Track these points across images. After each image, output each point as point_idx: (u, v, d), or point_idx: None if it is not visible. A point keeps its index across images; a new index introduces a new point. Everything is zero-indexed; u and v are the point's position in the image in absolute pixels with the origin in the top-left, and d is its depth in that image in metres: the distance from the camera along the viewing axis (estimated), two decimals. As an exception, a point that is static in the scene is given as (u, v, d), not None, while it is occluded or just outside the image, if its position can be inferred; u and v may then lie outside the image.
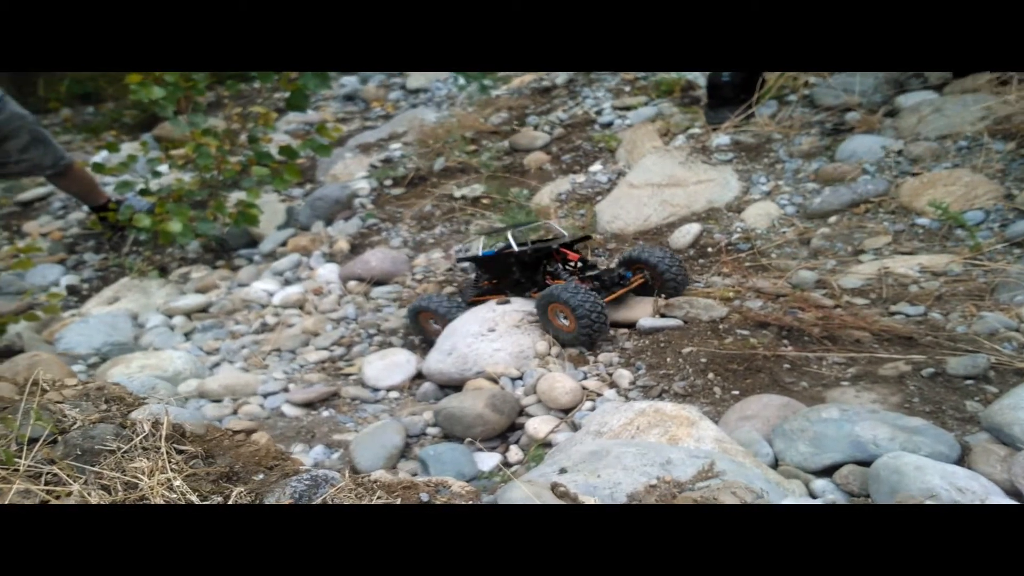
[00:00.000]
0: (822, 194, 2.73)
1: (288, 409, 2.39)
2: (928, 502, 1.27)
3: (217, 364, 2.74)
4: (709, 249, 2.67)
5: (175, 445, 1.54)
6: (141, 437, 1.51)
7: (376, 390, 2.43)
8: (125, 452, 1.46)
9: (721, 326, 2.23)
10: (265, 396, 2.47)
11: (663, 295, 2.41)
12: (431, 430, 2.14)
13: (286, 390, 2.50)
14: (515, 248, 2.45)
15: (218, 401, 2.45)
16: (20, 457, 1.38)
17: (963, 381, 1.80)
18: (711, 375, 2.04)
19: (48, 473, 1.34)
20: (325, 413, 2.36)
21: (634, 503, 1.33)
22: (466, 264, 2.75)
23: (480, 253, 2.57)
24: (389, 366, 2.47)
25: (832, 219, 2.62)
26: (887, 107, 3.07)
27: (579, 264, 2.49)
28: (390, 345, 2.69)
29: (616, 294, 2.37)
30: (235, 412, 2.39)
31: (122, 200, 3.85)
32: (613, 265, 2.47)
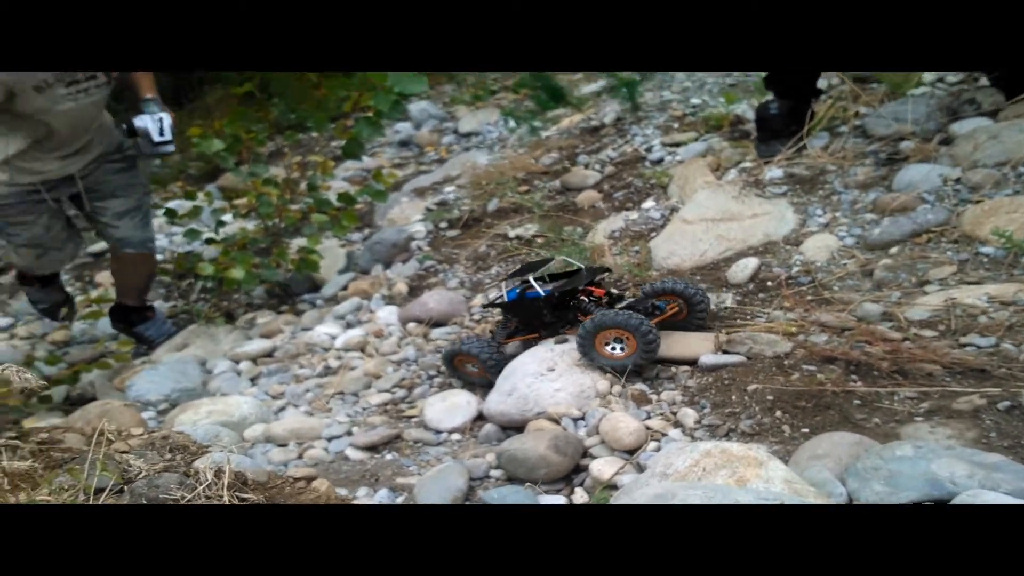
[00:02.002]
0: (881, 225, 2.70)
1: (352, 452, 2.42)
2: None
3: (282, 408, 2.79)
4: (769, 283, 2.65)
5: (237, 493, 1.57)
6: (204, 486, 1.54)
7: (438, 432, 2.45)
8: (188, 501, 1.50)
9: (786, 362, 2.21)
10: (329, 440, 2.51)
11: (695, 325, 2.44)
12: (494, 472, 2.15)
13: (349, 433, 2.53)
14: (541, 293, 2.48)
15: (284, 445, 2.49)
16: None
17: (1040, 414, 1.76)
18: (779, 413, 2.02)
19: None
20: (388, 456, 2.38)
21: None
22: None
23: (506, 297, 2.59)
24: (450, 407, 2.49)
25: (893, 250, 2.59)
26: (941, 135, 3.04)
27: (606, 298, 2.53)
28: (450, 386, 2.71)
29: (659, 319, 2.37)
30: (300, 456, 2.43)
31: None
32: (640, 296, 2.50)
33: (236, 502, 1.55)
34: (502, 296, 2.63)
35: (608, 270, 2.57)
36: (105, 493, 1.50)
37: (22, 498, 1.40)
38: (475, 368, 2.58)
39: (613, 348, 2.31)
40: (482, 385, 2.59)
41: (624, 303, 2.48)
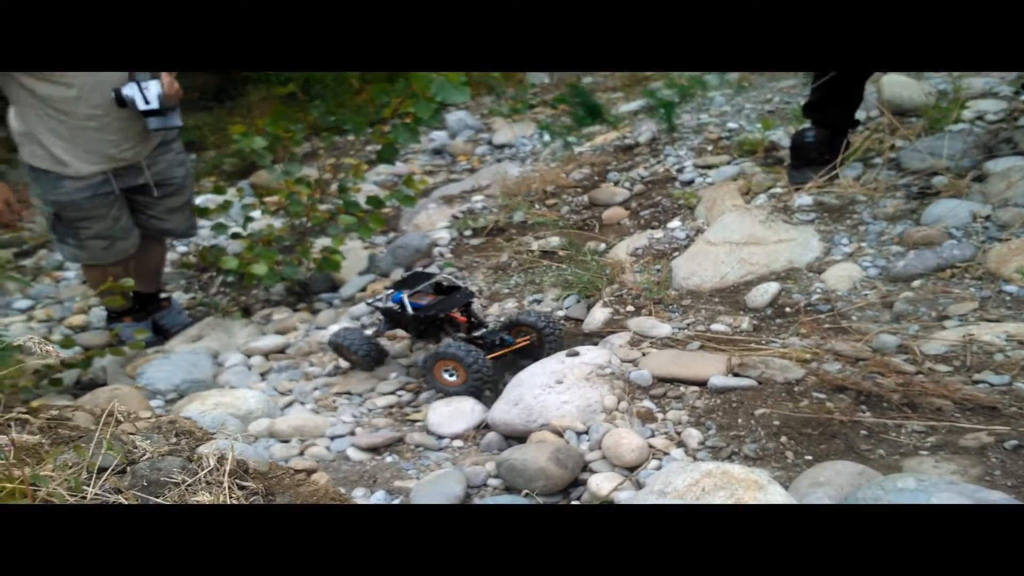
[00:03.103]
0: (906, 257, 2.65)
1: (353, 453, 2.41)
2: None
3: (289, 405, 2.80)
4: (787, 309, 2.61)
5: (238, 481, 1.57)
6: (206, 471, 1.54)
7: (440, 437, 2.43)
8: (189, 485, 1.49)
9: (797, 388, 2.17)
10: (332, 439, 2.50)
11: (547, 352, 2.64)
12: (492, 481, 2.13)
13: (353, 433, 2.52)
14: (410, 310, 2.71)
15: (286, 441, 2.48)
16: (89, 485, 1.42)
17: (1050, 456, 1.70)
18: (784, 438, 1.98)
19: (113, 502, 1.38)
20: (389, 458, 2.37)
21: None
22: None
23: (382, 305, 2.86)
24: (454, 413, 2.47)
25: (916, 283, 2.53)
26: (975, 172, 2.98)
27: (466, 325, 2.77)
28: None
29: (497, 353, 2.62)
30: (301, 453, 2.42)
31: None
32: (497, 328, 2.78)
33: (236, 489, 1.55)
34: (382, 300, 2.87)
35: (473, 295, 2.85)
36: (108, 472, 1.50)
37: (26, 472, 1.40)
38: (352, 357, 2.88)
39: (449, 375, 2.57)
40: (364, 369, 2.90)
41: (479, 332, 2.74)
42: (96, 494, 1.38)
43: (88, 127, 3.04)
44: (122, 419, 1.85)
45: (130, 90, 2.98)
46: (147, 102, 3.00)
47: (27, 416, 1.78)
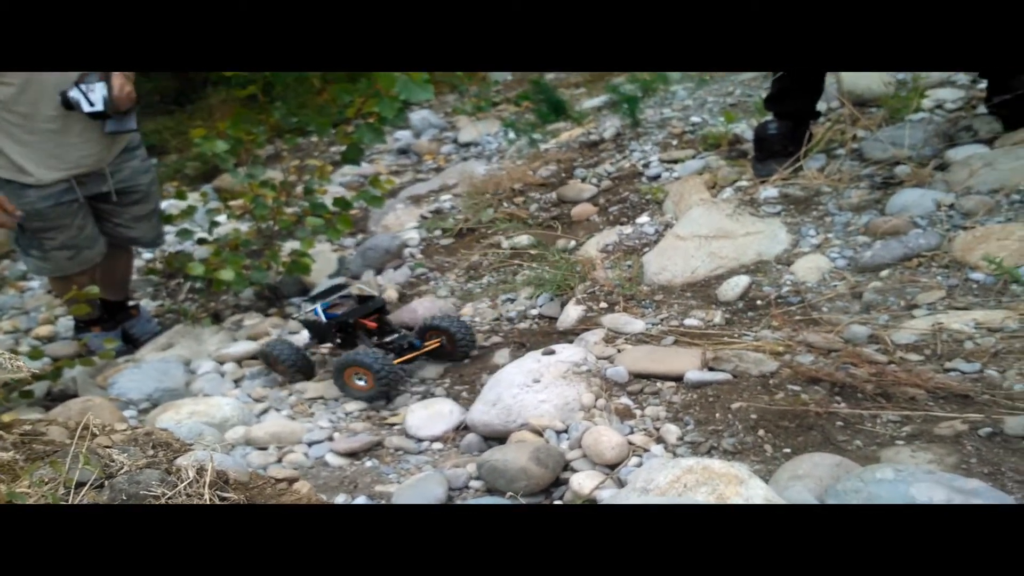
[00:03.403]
0: (873, 248, 2.69)
1: (332, 459, 2.39)
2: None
3: (264, 411, 2.77)
4: (758, 302, 2.64)
5: (218, 492, 1.55)
6: (185, 484, 1.52)
7: (419, 440, 2.43)
8: (169, 499, 1.48)
9: (771, 381, 2.20)
10: (310, 445, 2.49)
11: (459, 356, 2.85)
12: (474, 483, 2.13)
13: (331, 439, 2.51)
14: (323, 319, 2.91)
15: (263, 449, 2.46)
16: (67, 501, 1.40)
17: (1022, 441, 1.74)
18: (761, 432, 2.00)
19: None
20: (368, 463, 2.36)
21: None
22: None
23: (303, 318, 3.05)
24: (432, 416, 2.47)
25: (884, 273, 2.58)
26: (937, 161, 3.03)
27: (377, 331, 2.90)
28: (432, 395, 2.69)
29: (405, 357, 2.77)
30: (279, 460, 2.40)
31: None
32: (407, 334, 2.92)
33: (217, 501, 1.53)
34: (306, 313, 3.05)
35: (384, 303, 3.03)
36: (86, 488, 1.48)
37: (1, 490, 1.38)
38: (280, 367, 2.97)
39: (358, 380, 2.68)
40: (291, 381, 2.97)
41: (390, 338, 2.87)
42: None
43: (48, 130, 2.98)
44: (97, 432, 1.82)
45: (75, 92, 2.93)
46: (91, 104, 2.94)
47: None
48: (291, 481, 2.04)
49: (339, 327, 2.91)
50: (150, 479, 1.51)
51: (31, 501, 1.33)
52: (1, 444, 1.70)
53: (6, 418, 2.33)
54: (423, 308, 3.18)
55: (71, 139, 3.03)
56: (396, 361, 2.70)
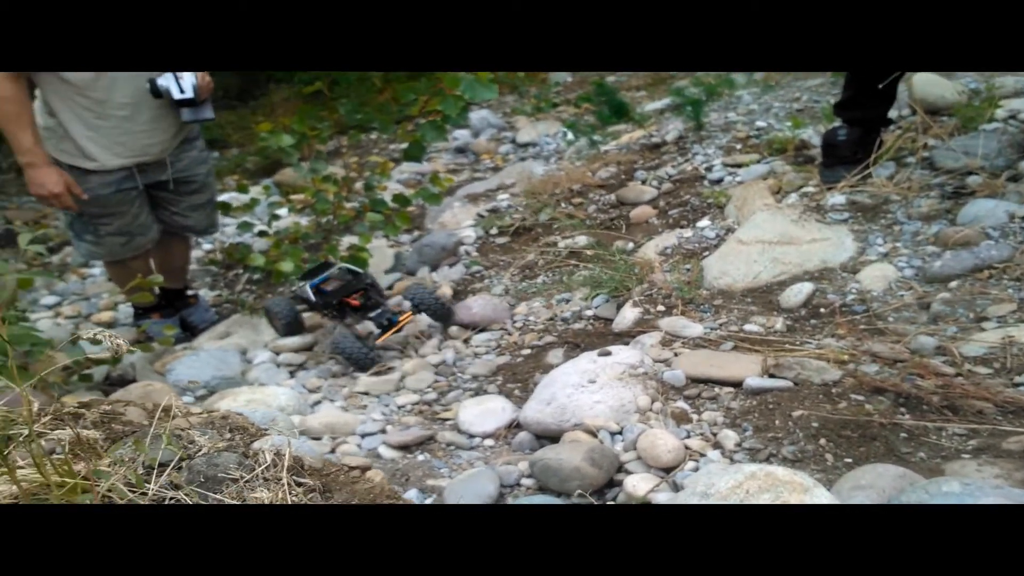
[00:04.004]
0: (942, 258, 2.61)
1: (384, 451, 2.40)
2: None
3: (318, 402, 2.79)
4: (822, 310, 2.58)
5: (295, 477, 1.55)
6: (263, 467, 1.52)
7: (471, 436, 2.42)
8: (247, 481, 1.47)
9: (834, 390, 2.14)
10: (363, 436, 2.49)
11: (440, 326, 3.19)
12: (526, 481, 2.11)
13: (384, 431, 2.52)
14: (312, 297, 3.20)
15: (318, 439, 2.48)
16: (148, 481, 1.41)
17: (1097, 460, 1.67)
18: (823, 441, 1.95)
19: (172, 499, 1.36)
20: (420, 457, 2.36)
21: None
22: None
23: (298, 293, 3.34)
24: (485, 412, 2.46)
25: (953, 284, 2.50)
26: (1010, 171, 2.93)
27: (363, 307, 3.15)
28: (485, 392, 2.68)
29: (386, 335, 3.07)
30: (333, 451, 2.41)
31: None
32: (386, 309, 3.17)
33: (294, 486, 1.52)
34: (298, 288, 3.35)
35: (370, 279, 3.31)
36: (169, 468, 1.48)
37: (81, 468, 1.39)
38: (276, 322, 3.36)
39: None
40: (280, 334, 3.36)
41: (373, 313, 3.12)
42: (155, 490, 1.37)
43: (119, 117, 3.03)
44: (179, 414, 1.83)
45: (165, 80, 3.00)
46: (182, 91, 3.01)
47: (82, 411, 1.77)
48: (364, 469, 2.05)
49: (325, 305, 3.21)
50: (228, 462, 1.50)
51: (113, 480, 1.33)
52: (82, 423, 1.71)
53: (86, 399, 2.37)
54: (478, 306, 3.17)
55: (139, 127, 3.09)
56: (380, 339, 3.05)
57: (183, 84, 3.02)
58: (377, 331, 3.08)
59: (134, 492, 1.32)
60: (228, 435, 1.71)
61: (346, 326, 3.13)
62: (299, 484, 1.49)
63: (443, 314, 3.15)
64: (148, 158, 3.18)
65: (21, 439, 1.34)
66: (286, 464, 1.49)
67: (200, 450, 1.56)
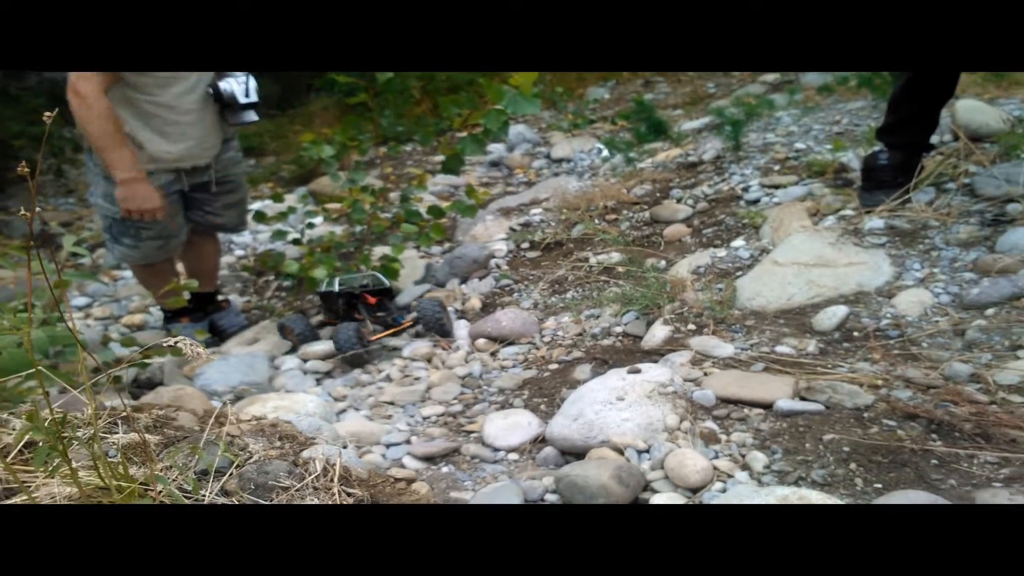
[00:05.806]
0: (980, 285, 2.57)
1: (408, 461, 2.39)
2: None
3: (344, 411, 2.80)
4: (855, 333, 2.54)
5: (344, 488, 1.55)
6: (313, 476, 1.52)
7: (496, 450, 2.41)
8: (297, 490, 1.47)
9: (866, 415, 2.11)
10: (388, 446, 2.49)
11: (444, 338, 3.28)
12: (550, 496, 2.09)
13: (408, 442, 2.51)
14: (336, 290, 3.43)
15: (344, 447, 2.48)
16: (202, 486, 1.41)
17: None
18: (853, 465, 1.92)
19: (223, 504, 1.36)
20: (444, 469, 2.35)
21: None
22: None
23: (322, 290, 3.52)
24: (510, 426, 2.45)
25: (990, 311, 2.45)
26: (1053, 200, 2.88)
27: (376, 306, 3.39)
28: (511, 405, 2.67)
29: (386, 332, 3.27)
30: (359, 459, 2.41)
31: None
32: (396, 313, 3.42)
33: (344, 497, 1.52)
34: (327, 283, 3.55)
35: (384, 284, 3.51)
36: (226, 476, 1.48)
37: (143, 472, 1.39)
38: (292, 337, 3.47)
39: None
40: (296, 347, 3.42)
41: (381, 313, 3.37)
42: (210, 497, 1.37)
43: (186, 123, 3.09)
44: (235, 420, 1.83)
45: (228, 84, 3.06)
46: (247, 95, 3.07)
47: (137, 415, 1.78)
48: (409, 481, 2.04)
49: (344, 296, 3.41)
50: (278, 470, 1.50)
51: (169, 485, 1.33)
52: (133, 427, 1.72)
53: (140, 402, 2.40)
54: (507, 319, 3.17)
55: (201, 131, 3.15)
56: (376, 336, 3.22)
57: (249, 87, 3.10)
58: (380, 328, 3.28)
59: (188, 498, 1.32)
60: (278, 443, 1.71)
61: (355, 319, 3.32)
62: (348, 494, 1.49)
63: (440, 331, 3.27)
64: (204, 160, 3.23)
65: (84, 440, 1.34)
66: (337, 474, 1.48)
67: (251, 457, 1.56)
